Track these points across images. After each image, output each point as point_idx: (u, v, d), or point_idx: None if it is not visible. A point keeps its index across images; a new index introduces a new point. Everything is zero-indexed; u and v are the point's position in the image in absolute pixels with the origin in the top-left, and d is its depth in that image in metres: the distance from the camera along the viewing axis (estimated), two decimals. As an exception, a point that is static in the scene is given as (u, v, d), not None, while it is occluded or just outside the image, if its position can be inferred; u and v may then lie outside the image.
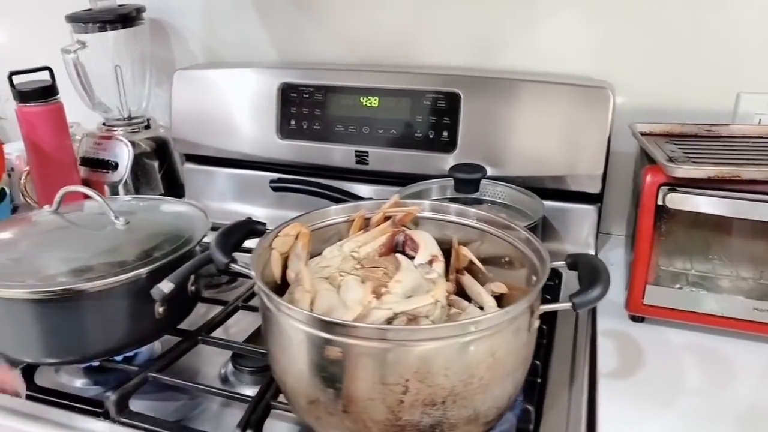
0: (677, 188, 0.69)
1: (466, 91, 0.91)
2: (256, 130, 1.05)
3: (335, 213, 0.66)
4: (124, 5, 1.08)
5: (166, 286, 0.63)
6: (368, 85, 0.96)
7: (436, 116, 0.93)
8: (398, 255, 0.59)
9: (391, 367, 0.46)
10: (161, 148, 1.15)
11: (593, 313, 0.78)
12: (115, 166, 1.09)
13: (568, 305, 0.51)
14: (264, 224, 0.64)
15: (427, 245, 0.60)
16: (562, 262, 0.57)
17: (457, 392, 0.48)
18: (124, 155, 1.09)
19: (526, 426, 0.59)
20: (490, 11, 0.96)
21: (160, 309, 0.67)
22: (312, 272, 0.59)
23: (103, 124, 1.15)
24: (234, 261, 0.58)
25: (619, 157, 0.91)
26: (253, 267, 0.54)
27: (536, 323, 0.52)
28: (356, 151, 0.99)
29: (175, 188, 1.19)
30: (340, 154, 1.00)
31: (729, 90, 0.90)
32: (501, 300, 0.63)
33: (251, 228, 0.64)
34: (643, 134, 0.80)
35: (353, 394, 0.47)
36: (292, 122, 1.02)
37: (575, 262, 0.56)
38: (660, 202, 0.70)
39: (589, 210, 0.91)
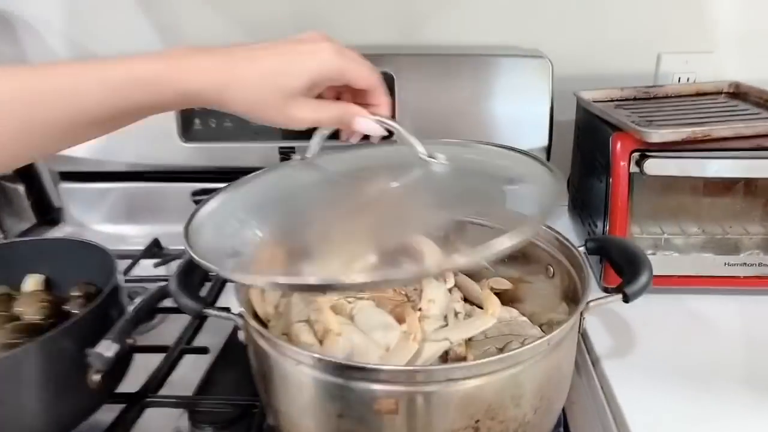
0: (648, 154, 0.67)
1: (398, 71, 0.83)
2: (152, 135, 0.88)
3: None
4: (-48, -7, 0.85)
5: (107, 348, 0.49)
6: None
7: (368, 100, 0.84)
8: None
9: (460, 410, 0.38)
10: (25, 169, 0.94)
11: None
12: (-31, 198, 0.87)
13: (618, 297, 0.45)
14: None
15: (431, 250, 0.51)
16: (582, 248, 0.52)
17: (528, 421, 0.41)
18: (-22, 182, 0.87)
19: (557, 429, 0.54)
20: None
21: (95, 377, 0.52)
22: (298, 305, 0.48)
23: (-59, 145, 0.91)
24: (207, 305, 0.46)
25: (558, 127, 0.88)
26: (245, 308, 0.42)
27: (584, 323, 0.46)
28: (280, 147, 0.87)
29: (48, 214, 0.98)
30: (260, 153, 0.88)
31: (650, 51, 0.91)
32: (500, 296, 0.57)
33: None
34: (596, 102, 0.77)
35: (412, 449, 0.38)
36: (197, 122, 0.88)
37: (600, 246, 0.51)
38: (633, 170, 0.68)
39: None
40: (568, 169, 0.90)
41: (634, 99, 0.82)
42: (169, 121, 0.87)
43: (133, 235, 0.92)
